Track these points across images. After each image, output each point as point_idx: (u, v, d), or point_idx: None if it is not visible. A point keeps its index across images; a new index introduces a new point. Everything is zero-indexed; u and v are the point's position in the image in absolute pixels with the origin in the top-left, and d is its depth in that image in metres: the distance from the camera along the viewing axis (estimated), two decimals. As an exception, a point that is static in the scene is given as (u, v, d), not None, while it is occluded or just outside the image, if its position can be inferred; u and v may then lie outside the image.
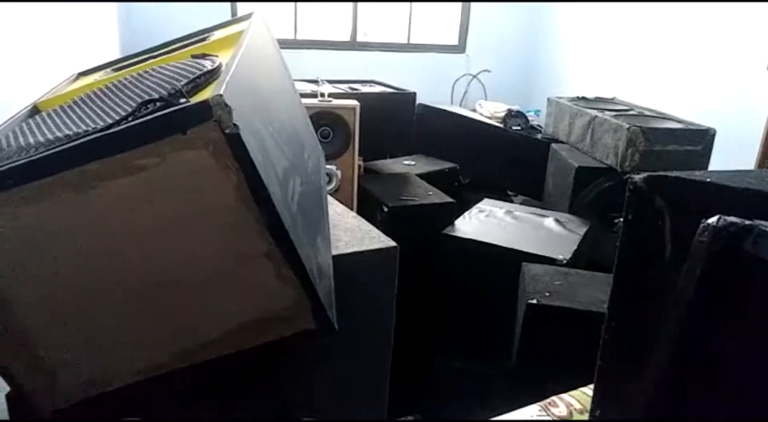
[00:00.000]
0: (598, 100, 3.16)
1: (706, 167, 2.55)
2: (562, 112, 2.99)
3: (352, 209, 2.45)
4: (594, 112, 2.71)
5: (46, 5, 1.84)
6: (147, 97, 0.98)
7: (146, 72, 1.23)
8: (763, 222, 0.60)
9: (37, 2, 1.72)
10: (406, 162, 3.03)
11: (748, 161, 2.91)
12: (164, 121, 0.85)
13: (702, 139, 2.49)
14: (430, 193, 2.49)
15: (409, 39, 5.27)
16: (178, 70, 1.13)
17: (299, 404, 1.36)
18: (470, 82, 5.46)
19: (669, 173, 0.95)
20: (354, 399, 1.49)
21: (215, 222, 0.90)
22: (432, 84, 5.21)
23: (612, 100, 3.18)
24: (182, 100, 0.93)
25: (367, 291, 1.44)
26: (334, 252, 1.38)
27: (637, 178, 0.96)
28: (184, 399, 1.09)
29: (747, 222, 0.60)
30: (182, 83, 1.00)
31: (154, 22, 4.32)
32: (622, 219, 2.40)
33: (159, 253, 0.92)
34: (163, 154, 0.85)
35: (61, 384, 1.03)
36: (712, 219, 0.62)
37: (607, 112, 2.72)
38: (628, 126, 2.42)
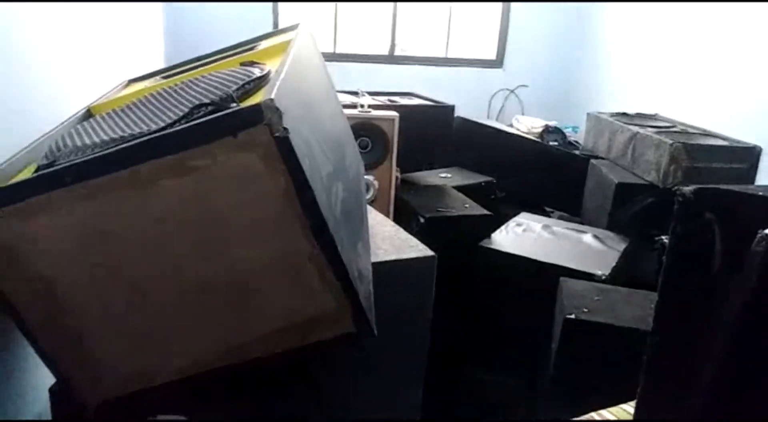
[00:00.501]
0: (639, 116, 3.12)
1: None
2: (602, 128, 2.96)
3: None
4: (635, 128, 2.68)
5: (94, 14, 1.90)
6: (198, 102, 1.01)
7: (196, 79, 1.27)
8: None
9: (86, 1, 1.78)
10: (443, 174, 3.02)
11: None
12: (216, 124, 0.87)
13: (747, 157, 2.43)
14: (467, 205, 2.48)
15: (446, 53, 5.28)
16: (228, 77, 1.16)
17: (336, 407, 1.36)
18: (507, 96, 5.44)
19: (719, 186, 0.94)
20: (389, 404, 1.48)
21: (262, 224, 0.92)
22: (468, 98, 5.19)
23: (653, 117, 3.14)
24: (233, 105, 0.95)
25: (405, 299, 1.44)
26: (373, 259, 1.38)
27: (687, 190, 0.95)
28: (224, 398, 1.10)
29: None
30: (233, 89, 1.02)
31: (198, 33, 4.43)
32: (663, 237, 2.34)
33: (207, 252, 0.94)
34: (214, 156, 0.88)
35: (106, 377, 1.06)
36: (770, 229, 0.61)
37: (649, 128, 2.68)
38: (671, 142, 2.38)
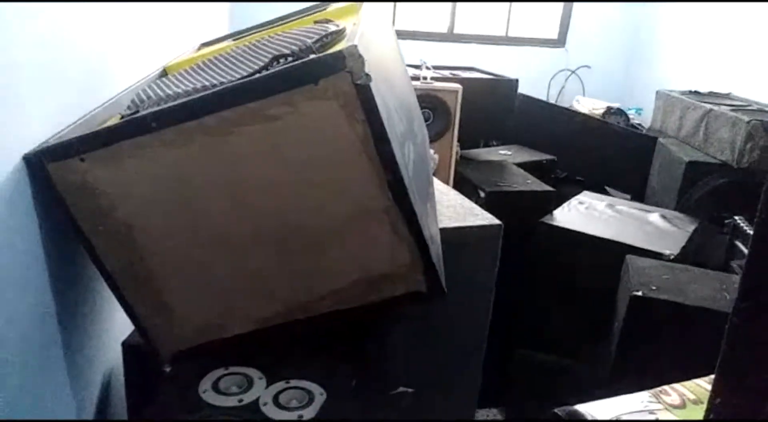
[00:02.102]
0: (711, 94, 2.98)
1: (834, 167, 2.35)
2: (673, 106, 2.85)
3: (448, 193, 2.44)
4: (709, 106, 2.57)
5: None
6: (275, 53, 1.01)
7: (271, 37, 1.28)
8: None
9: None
10: (503, 151, 2.98)
11: None
12: (297, 72, 0.87)
13: (831, 137, 2.29)
14: (529, 180, 2.43)
15: (507, 32, 5.18)
16: (305, 33, 1.16)
17: (397, 374, 1.36)
18: (568, 77, 5.30)
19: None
20: (449, 376, 1.48)
21: (339, 173, 0.92)
22: (529, 78, 5.07)
23: (727, 96, 3.00)
24: (312, 56, 0.95)
25: (470, 267, 1.42)
26: (439, 225, 1.37)
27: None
28: (292, 353, 1.11)
29: None
30: (312, 40, 1.02)
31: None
32: (736, 218, 2.24)
33: (284, 202, 0.95)
34: (295, 104, 0.88)
35: (181, 327, 1.08)
36: None
37: (724, 106, 2.57)
38: (748, 119, 2.27)
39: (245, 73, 1.00)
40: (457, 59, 4.80)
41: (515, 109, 3.03)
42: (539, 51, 5.31)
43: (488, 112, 2.71)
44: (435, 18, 5.09)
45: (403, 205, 0.94)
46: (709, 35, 4.30)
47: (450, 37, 5.00)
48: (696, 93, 2.96)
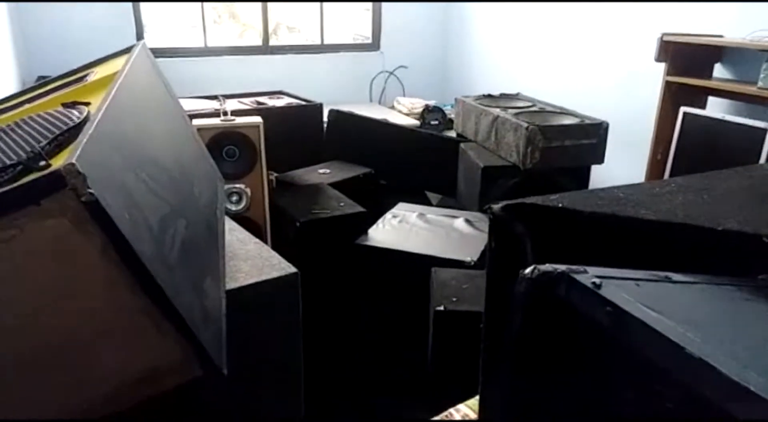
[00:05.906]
0: (502, 96, 3.25)
1: (602, 158, 2.67)
2: (469, 112, 3.07)
3: (264, 226, 2.45)
4: (497, 111, 2.80)
5: None
6: (5, 159, 0.96)
7: (10, 127, 1.20)
8: (576, 268, 0.65)
9: None
10: (321, 170, 3.04)
11: (643, 149, 3.07)
12: (16, 194, 0.84)
13: (596, 133, 2.61)
14: (342, 203, 2.51)
15: (322, 40, 5.26)
16: (45, 124, 1.11)
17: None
18: (387, 79, 5.51)
19: (525, 200, 1.01)
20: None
21: (86, 286, 0.90)
22: (350, 83, 5.26)
23: (516, 96, 3.28)
24: (42, 163, 0.92)
25: (270, 320, 1.45)
26: (234, 284, 1.39)
27: (496, 207, 1.01)
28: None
29: (560, 269, 0.65)
30: (41, 144, 0.98)
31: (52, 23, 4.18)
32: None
33: (35, 321, 0.91)
34: (20, 226, 0.84)
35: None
36: (528, 270, 0.66)
37: (510, 111, 2.81)
38: (526, 125, 2.51)
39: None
40: (276, 72, 4.82)
41: (329, 126, 3.11)
42: (356, 56, 5.46)
43: (298, 136, 2.75)
44: (249, 32, 5.06)
45: (161, 303, 0.94)
46: (506, 34, 4.68)
47: (266, 50, 4.97)
48: (489, 96, 3.21)
